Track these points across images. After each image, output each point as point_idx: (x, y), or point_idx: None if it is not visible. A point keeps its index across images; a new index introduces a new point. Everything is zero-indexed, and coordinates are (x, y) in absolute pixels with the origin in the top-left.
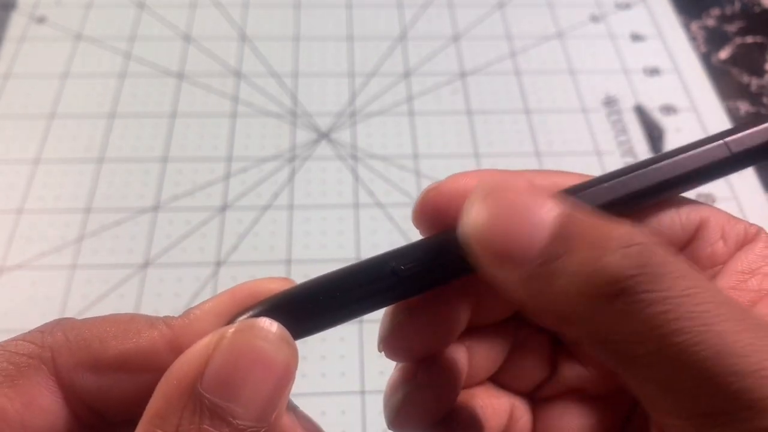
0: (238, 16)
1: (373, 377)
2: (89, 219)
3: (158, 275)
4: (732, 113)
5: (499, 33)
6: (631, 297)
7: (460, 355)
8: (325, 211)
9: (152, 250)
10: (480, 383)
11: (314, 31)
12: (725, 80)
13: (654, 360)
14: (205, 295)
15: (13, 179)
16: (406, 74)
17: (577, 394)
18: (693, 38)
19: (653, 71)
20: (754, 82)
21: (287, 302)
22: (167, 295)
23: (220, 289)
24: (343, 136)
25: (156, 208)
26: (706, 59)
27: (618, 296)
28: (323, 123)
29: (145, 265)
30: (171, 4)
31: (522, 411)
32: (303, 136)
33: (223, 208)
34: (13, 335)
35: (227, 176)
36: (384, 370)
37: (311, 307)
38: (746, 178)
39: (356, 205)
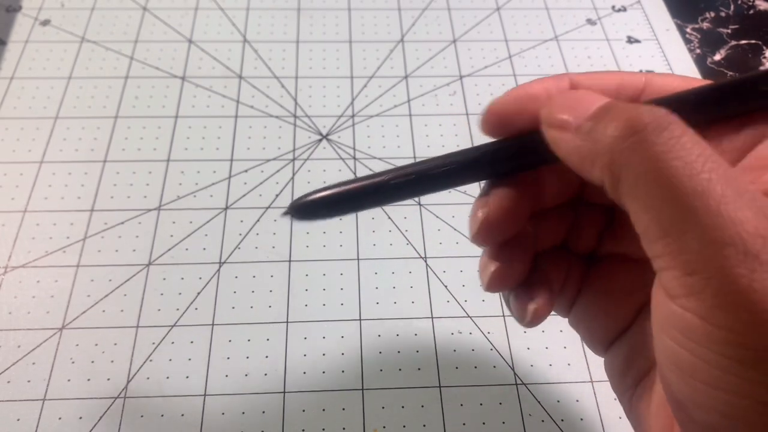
0: (240, 20)
1: (373, 374)
2: (93, 219)
3: (161, 274)
4: None
5: (496, 36)
6: (640, 137)
7: (531, 236)
8: None
9: (155, 249)
10: (548, 248)
11: (315, 35)
12: None
13: (642, 186)
14: (208, 293)
15: (18, 180)
16: (405, 76)
17: (621, 257)
18: (688, 41)
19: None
20: None
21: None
22: (170, 293)
23: (222, 287)
24: (343, 137)
25: (159, 208)
26: (701, 61)
27: (631, 136)
28: (323, 124)
29: (149, 264)
30: (174, 7)
31: (577, 266)
32: (304, 137)
33: (225, 208)
34: (17, 334)
35: (229, 177)
36: (383, 367)
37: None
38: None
39: None
